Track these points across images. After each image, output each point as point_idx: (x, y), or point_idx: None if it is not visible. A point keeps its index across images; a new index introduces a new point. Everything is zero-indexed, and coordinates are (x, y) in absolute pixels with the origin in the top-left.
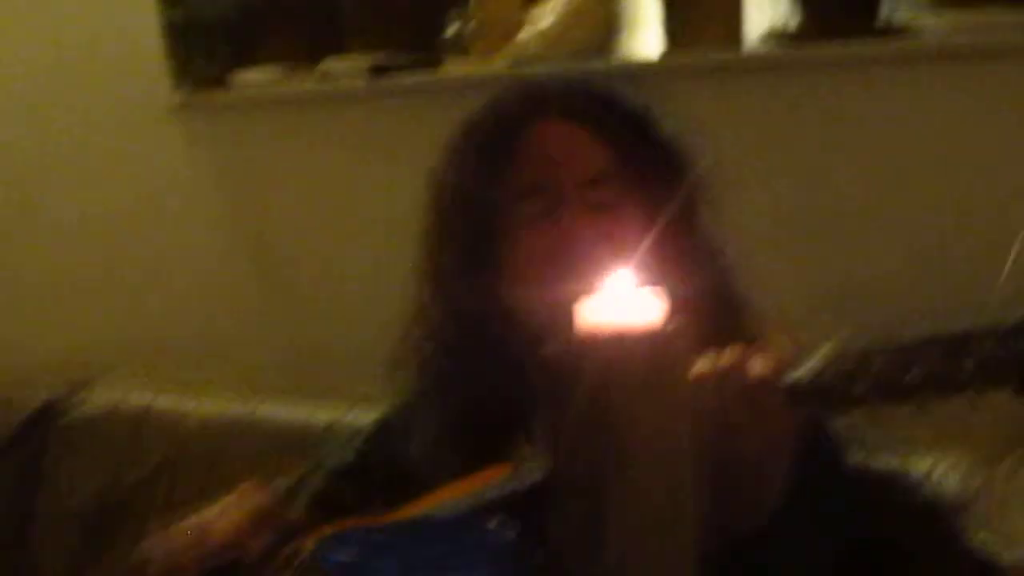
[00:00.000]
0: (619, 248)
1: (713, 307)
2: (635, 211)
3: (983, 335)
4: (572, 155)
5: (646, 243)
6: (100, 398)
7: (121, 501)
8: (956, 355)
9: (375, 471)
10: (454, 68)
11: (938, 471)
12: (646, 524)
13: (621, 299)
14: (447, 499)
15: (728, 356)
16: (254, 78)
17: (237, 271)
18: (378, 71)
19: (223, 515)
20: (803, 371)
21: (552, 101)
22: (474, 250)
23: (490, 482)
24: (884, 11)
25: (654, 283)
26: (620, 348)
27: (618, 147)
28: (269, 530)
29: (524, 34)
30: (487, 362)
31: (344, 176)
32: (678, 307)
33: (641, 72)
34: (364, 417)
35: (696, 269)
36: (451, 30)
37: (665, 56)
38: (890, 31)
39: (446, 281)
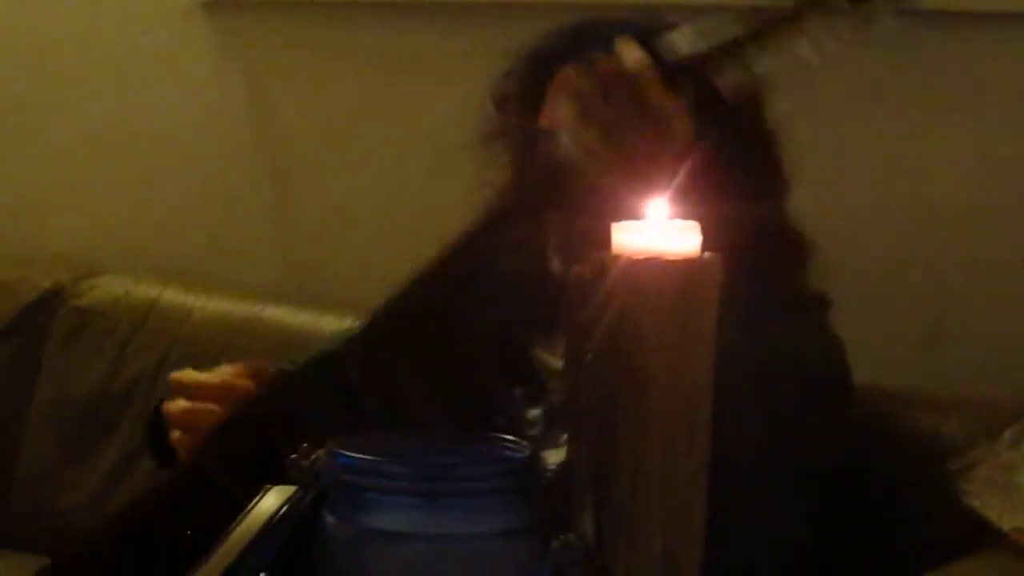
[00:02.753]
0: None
1: (760, 245)
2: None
3: None
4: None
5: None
6: (106, 288)
7: (121, 392)
8: None
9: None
10: None
11: (946, 429)
12: (660, 454)
13: (656, 227)
14: None
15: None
16: None
17: (253, 173)
18: None
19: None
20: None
21: (579, 45)
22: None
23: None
24: None
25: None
26: (652, 272)
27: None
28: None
29: None
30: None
31: (368, 88)
32: (715, 241)
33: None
34: None
35: (741, 206)
36: None
37: None
38: None
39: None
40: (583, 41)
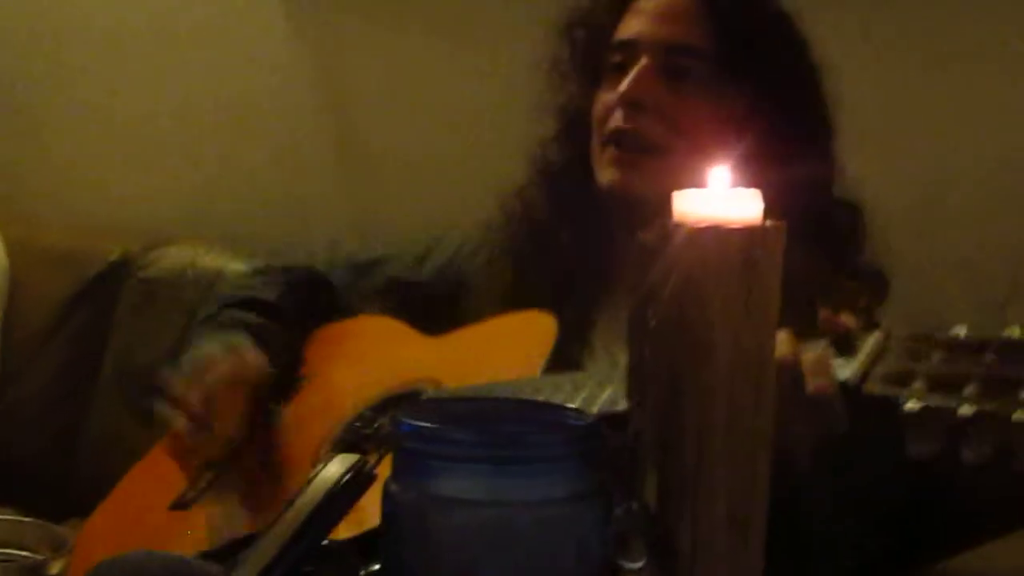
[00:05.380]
0: (673, 123)
1: (812, 209)
2: (722, 95)
3: None
4: (664, 17)
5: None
6: (174, 258)
7: None
8: (1013, 375)
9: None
10: None
11: None
12: (725, 419)
13: (720, 193)
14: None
15: (785, 347)
16: None
17: (322, 142)
18: None
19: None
20: (852, 370)
21: None
22: (570, 110)
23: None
24: None
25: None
26: (715, 240)
27: (721, 26)
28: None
29: None
30: (568, 227)
31: (436, 52)
32: (775, 208)
33: None
34: None
35: (799, 171)
36: None
37: None
38: None
39: (546, 144)
40: None
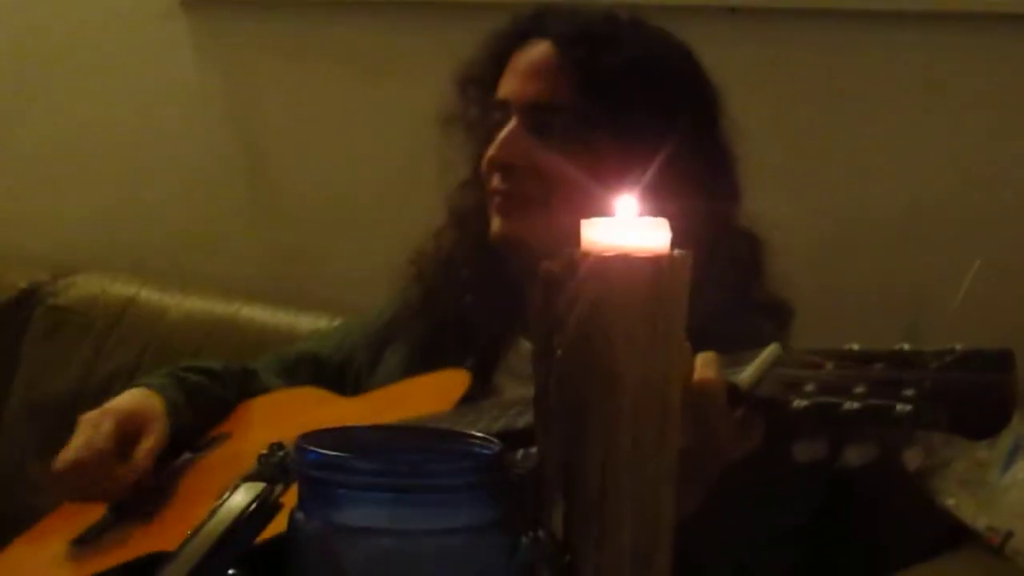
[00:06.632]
0: (547, 178)
1: (715, 240)
2: (593, 144)
3: (930, 358)
4: (529, 75)
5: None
6: (83, 286)
7: (98, 390)
8: (898, 377)
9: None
10: None
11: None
12: (630, 450)
13: (625, 224)
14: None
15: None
16: None
17: (232, 172)
18: None
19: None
20: (745, 375)
21: (542, 23)
22: (472, 162)
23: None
24: None
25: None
26: (621, 269)
27: (580, 79)
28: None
29: None
30: (478, 281)
31: (347, 86)
32: (679, 238)
33: (640, 8)
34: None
35: (698, 203)
36: None
37: None
38: None
39: (451, 193)
40: (539, 22)
